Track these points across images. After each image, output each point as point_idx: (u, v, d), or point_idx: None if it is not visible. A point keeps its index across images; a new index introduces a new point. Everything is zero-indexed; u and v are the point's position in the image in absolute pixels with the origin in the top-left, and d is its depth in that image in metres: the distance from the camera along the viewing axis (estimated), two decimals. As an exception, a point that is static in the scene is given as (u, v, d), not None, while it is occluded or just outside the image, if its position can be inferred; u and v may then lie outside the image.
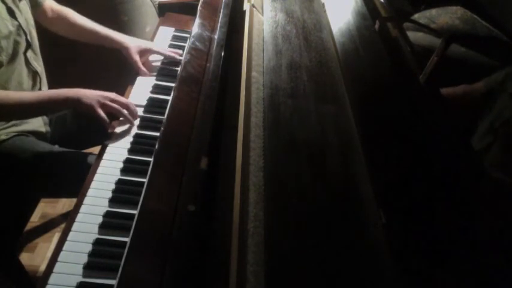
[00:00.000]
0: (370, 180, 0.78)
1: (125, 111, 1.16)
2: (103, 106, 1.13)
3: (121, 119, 1.18)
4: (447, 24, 1.40)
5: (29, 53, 1.27)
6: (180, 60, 1.39)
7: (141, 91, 1.33)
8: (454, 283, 0.65)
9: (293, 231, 0.69)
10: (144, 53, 1.41)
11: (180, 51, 1.44)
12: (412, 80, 1.04)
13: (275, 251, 0.66)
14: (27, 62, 1.27)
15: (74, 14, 1.43)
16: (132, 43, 1.39)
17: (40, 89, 1.36)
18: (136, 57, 1.37)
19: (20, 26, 1.21)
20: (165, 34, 1.61)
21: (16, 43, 1.21)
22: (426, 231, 0.71)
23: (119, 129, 1.17)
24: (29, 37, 1.25)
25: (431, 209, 0.75)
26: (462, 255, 0.69)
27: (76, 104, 1.14)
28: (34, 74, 1.31)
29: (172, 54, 1.42)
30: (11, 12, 1.19)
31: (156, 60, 1.45)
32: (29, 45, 1.26)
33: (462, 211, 0.75)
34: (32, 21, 1.30)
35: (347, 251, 0.68)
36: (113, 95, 1.16)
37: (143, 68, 1.37)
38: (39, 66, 1.33)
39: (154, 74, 1.41)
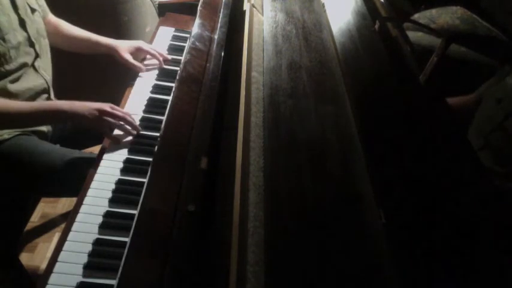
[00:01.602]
0: (370, 180, 0.78)
1: (121, 124, 1.14)
2: (98, 120, 1.12)
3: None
4: (447, 24, 1.40)
5: (38, 62, 1.28)
6: (161, 63, 1.42)
7: (141, 91, 1.33)
8: (454, 283, 0.65)
9: (293, 232, 0.69)
10: (135, 51, 1.42)
11: (169, 57, 1.45)
12: (412, 80, 1.04)
13: (275, 251, 0.66)
14: (36, 72, 1.29)
15: (66, 25, 1.44)
16: (121, 44, 1.41)
17: (49, 97, 1.36)
18: (127, 56, 1.39)
19: (29, 37, 1.22)
20: (165, 34, 1.61)
21: (25, 54, 1.22)
22: (426, 231, 0.71)
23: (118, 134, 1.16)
24: (37, 48, 1.26)
25: (431, 209, 0.75)
26: (462, 255, 0.69)
27: (71, 117, 1.15)
28: (44, 83, 1.32)
29: (159, 57, 1.42)
30: (22, 24, 1.21)
31: (154, 60, 1.45)
32: (37, 56, 1.27)
33: (462, 211, 0.75)
34: (43, 32, 1.32)
35: (347, 252, 0.68)
36: (108, 107, 1.14)
37: (136, 64, 1.38)
38: (47, 75, 1.35)
39: (155, 73, 1.41)
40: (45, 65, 1.34)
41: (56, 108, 1.15)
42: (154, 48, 1.45)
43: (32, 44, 1.24)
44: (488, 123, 1.24)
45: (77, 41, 1.43)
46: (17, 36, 1.18)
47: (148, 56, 1.45)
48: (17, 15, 1.19)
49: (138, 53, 1.43)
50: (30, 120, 1.21)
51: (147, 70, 1.42)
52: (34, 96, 1.28)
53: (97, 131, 1.14)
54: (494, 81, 1.32)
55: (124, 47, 1.40)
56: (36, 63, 1.28)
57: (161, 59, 1.42)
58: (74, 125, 1.44)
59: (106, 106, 1.14)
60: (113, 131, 1.14)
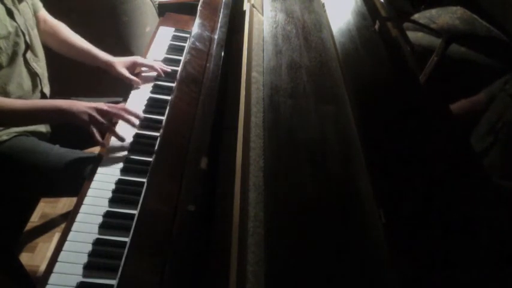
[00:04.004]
0: (370, 180, 0.78)
1: (116, 132, 1.13)
2: (96, 122, 1.11)
3: (120, 121, 1.16)
4: (447, 24, 1.40)
5: (29, 54, 1.27)
6: (160, 74, 1.39)
7: (141, 91, 1.33)
8: (454, 284, 0.65)
9: (293, 231, 0.69)
10: (131, 66, 1.40)
11: (168, 69, 1.42)
12: (412, 80, 1.04)
13: (275, 251, 0.66)
14: (27, 63, 1.27)
15: (66, 30, 1.42)
16: (116, 59, 1.39)
17: (42, 90, 1.36)
18: (123, 71, 1.37)
19: (18, 27, 1.21)
20: (165, 34, 1.61)
21: (15, 44, 1.20)
22: (426, 231, 0.71)
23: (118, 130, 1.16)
24: (27, 38, 1.25)
25: (431, 209, 0.75)
26: (462, 255, 0.69)
27: (69, 117, 1.13)
28: (34, 76, 1.31)
29: (158, 69, 1.39)
30: (10, 14, 1.19)
31: (149, 71, 1.42)
32: (27, 47, 1.26)
33: (462, 212, 0.75)
34: (31, 22, 1.30)
35: (347, 251, 0.68)
36: (106, 106, 1.13)
37: (133, 78, 1.35)
38: (39, 67, 1.33)
39: (147, 85, 1.37)
40: (36, 57, 1.32)
41: (53, 107, 1.14)
42: (149, 61, 1.42)
43: (22, 34, 1.23)
44: (499, 119, 1.24)
45: (75, 50, 1.41)
46: (6, 26, 1.16)
47: (144, 68, 1.42)
48: (3, 5, 1.17)
49: (134, 67, 1.41)
50: (26, 119, 1.19)
51: (147, 71, 1.41)
52: (25, 89, 1.27)
53: (89, 132, 1.11)
54: (506, 79, 1.32)
55: (120, 62, 1.38)
56: (27, 55, 1.26)
57: (160, 70, 1.39)
58: (73, 125, 1.44)
59: (103, 105, 1.13)
60: (111, 130, 1.14)
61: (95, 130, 1.11)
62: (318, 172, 0.79)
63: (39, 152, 1.23)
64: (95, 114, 1.11)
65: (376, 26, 1.17)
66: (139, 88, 1.35)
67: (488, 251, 0.70)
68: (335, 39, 1.15)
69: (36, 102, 1.24)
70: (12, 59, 1.21)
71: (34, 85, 1.32)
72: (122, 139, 1.13)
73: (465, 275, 0.66)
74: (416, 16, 1.53)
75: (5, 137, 1.23)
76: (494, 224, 0.74)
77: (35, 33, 1.32)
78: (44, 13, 1.39)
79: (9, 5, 1.18)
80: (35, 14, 1.35)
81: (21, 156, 1.22)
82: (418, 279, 0.64)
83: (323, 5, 1.32)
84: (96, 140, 1.11)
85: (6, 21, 1.17)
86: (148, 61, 1.42)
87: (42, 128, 1.35)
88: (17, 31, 1.20)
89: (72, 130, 1.43)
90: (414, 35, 1.53)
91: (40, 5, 1.38)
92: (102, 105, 1.14)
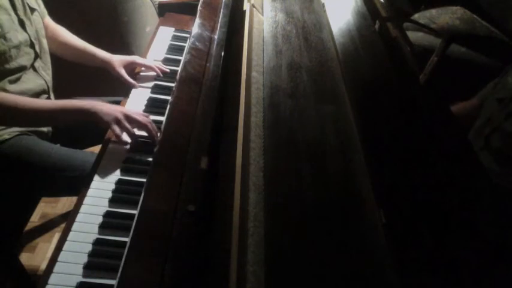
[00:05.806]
0: (370, 180, 0.78)
1: (123, 138, 1.12)
2: (119, 124, 1.10)
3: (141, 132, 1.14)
4: (447, 24, 1.40)
5: (37, 63, 1.29)
6: (159, 74, 1.39)
7: (141, 91, 1.33)
8: (454, 284, 0.65)
9: (293, 231, 0.69)
10: (129, 66, 1.40)
11: (166, 69, 1.42)
12: (412, 80, 1.04)
13: (275, 251, 0.66)
14: (36, 72, 1.29)
15: (66, 33, 1.44)
16: (114, 58, 1.39)
17: (49, 97, 1.36)
18: (121, 70, 1.36)
19: (29, 38, 1.23)
20: (165, 34, 1.61)
21: (25, 53, 1.22)
22: (426, 231, 0.71)
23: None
24: (37, 48, 1.27)
25: (431, 209, 0.75)
26: (462, 255, 0.69)
27: (92, 117, 1.11)
28: (43, 83, 1.32)
29: (156, 69, 1.39)
30: (22, 24, 1.21)
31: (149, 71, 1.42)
32: (37, 56, 1.28)
33: (462, 212, 0.75)
34: (43, 32, 1.32)
35: (347, 251, 0.68)
36: (132, 113, 1.12)
37: (129, 79, 1.35)
38: (47, 75, 1.35)
39: (147, 85, 1.38)
40: (45, 65, 1.34)
41: (78, 107, 1.13)
42: (148, 61, 1.43)
43: (31, 45, 1.25)
44: (489, 124, 1.25)
45: (72, 49, 1.42)
46: (17, 35, 1.18)
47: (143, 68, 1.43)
48: (16, 15, 1.19)
49: (132, 67, 1.42)
50: (50, 119, 1.19)
51: (147, 71, 1.41)
52: (34, 96, 1.28)
53: (114, 133, 1.11)
54: (495, 82, 1.32)
55: (118, 61, 1.38)
56: (36, 64, 1.28)
57: (158, 71, 1.39)
58: (74, 125, 1.44)
59: (134, 113, 1.12)
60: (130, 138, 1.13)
61: (117, 130, 1.10)
62: (318, 172, 0.79)
63: (40, 151, 1.23)
64: (120, 117, 1.10)
65: (376, 26, 1.17)
66: (139, 88, 1.35)
67: (488, 251, 0.70)
68: (335, 39, 1.15)
69: (56, 102, 1.23)
70: (23, 67, 1.22)
71: (43, 92, 1.33)
72: (125, 143, 1.12)
73: (465, 275, 0.66)
74: (416, 16, 1.53)
75: (6, 136, 1.23)
76: (494, 224, 0.74)
77: (45, 42, 1.33)
78: (48, 19, 1.41)
79: (22, 15, 1.20)
80: (43, 20, 1.36)
81: (22, 155, 1.22)
82: (418, 280, 0.64)
83: (323, 5, 1.32)
84: (121, 141, 1.11)
85: (18, 31, 1.19)
86: (147, 61, 1.42)
87: (43, 127, 1.35)
88: (26, 41, 1.22)
89: (73, 129, 1.43)
90: (414, 35, 1.53)
91: (45, 12, 1.40)
92: (133, 113, 1.13)
